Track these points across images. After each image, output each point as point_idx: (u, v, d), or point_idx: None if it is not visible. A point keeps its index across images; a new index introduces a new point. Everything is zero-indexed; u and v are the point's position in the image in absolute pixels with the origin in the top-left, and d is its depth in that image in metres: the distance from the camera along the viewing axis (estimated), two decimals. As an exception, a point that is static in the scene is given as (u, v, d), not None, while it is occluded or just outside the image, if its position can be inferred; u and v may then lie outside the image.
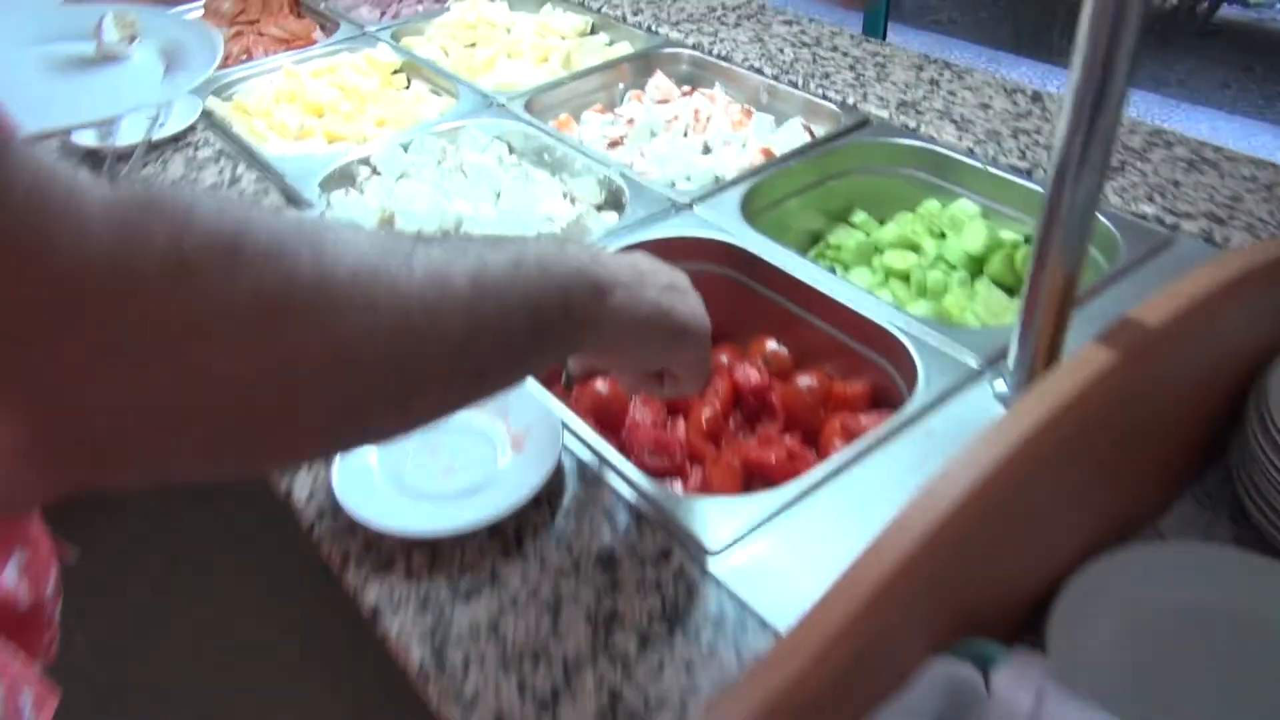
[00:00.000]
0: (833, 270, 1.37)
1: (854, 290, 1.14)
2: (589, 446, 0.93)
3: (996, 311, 1.19)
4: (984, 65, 4.52)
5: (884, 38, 3.18)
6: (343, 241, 0.47)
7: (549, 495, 0.86)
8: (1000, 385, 0.98)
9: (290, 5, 2.08)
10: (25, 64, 1.14)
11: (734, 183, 1.33)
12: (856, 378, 1.14)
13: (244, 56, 1.88)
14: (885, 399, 1.11)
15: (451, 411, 0.56)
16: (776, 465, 1.05)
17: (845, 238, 1.40)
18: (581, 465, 0.90)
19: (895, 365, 1.09)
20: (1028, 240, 1.31)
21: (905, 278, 1.33)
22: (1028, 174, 1.31)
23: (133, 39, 1.14)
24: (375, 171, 1.44)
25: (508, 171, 1.43)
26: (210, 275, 0.40)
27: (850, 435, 1.05)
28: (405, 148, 1.48)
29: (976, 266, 1.32)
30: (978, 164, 1.35)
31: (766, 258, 1.20)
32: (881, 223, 1.44)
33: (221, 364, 0.40)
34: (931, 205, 1.40)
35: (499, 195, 1.41)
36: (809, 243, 1.45)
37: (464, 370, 0.54)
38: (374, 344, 0.46)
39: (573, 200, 1.34)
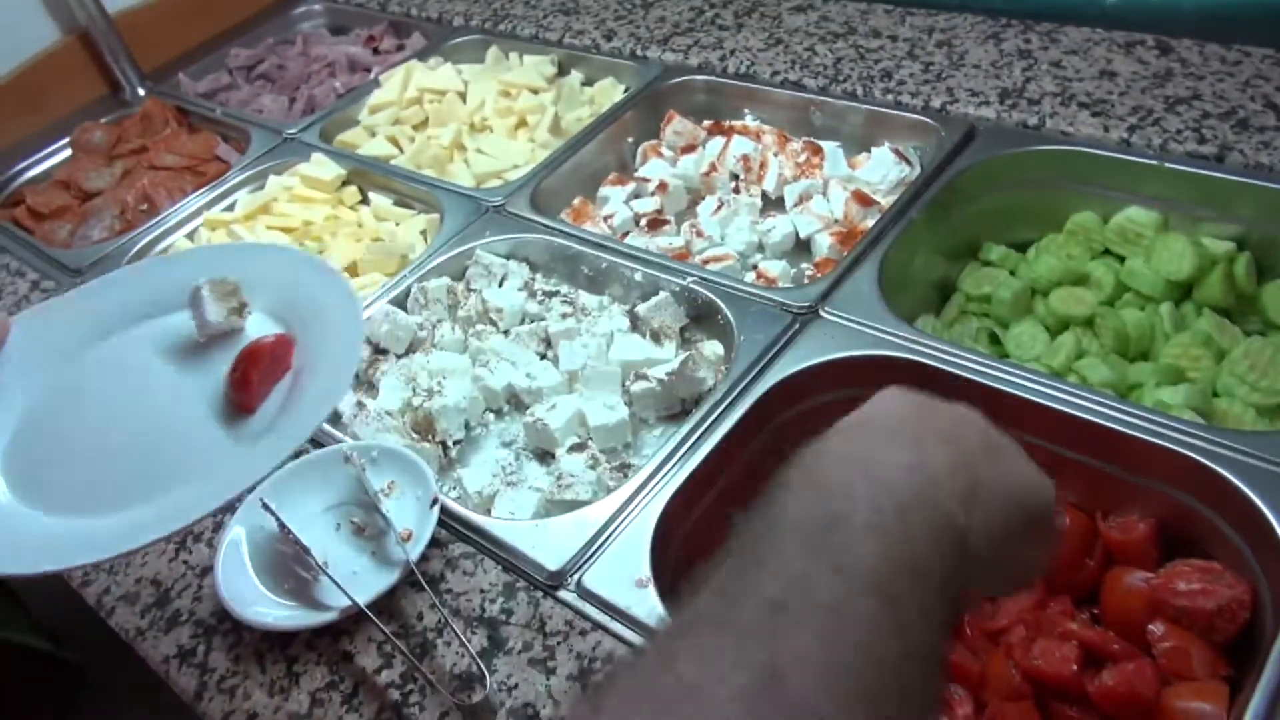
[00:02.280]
0: (992, 336, 1.07)
1: (1079, 392, 0.84)
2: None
3: (1266, 367, 0.90)
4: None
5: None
6: None
7: None
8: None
9: (176, 118, 1.69)
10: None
11: (855, 262, 1.02)
12: (1124, 508, 0.85)
13: (143, 206, 1.49)
14: (1178, 534, 0.82)
15: None
16: (1082, 680, 0.76)
17: (989, 284, 1.10)
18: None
19: (1182, 487, 0.80)
20: (1242, 246, 1.02)
21: (1088, 323, 1.04)
22: (1217, 161, 1.02)
23: (242, 308, 0.78)
24: (378, 351, 1.10)
25: (549, 309, 1.10)
26: None
27: (1168, 612, 0.76)
28: (401, 303, 1.13)
29: (1181, 293, 1.03)
30: (1144, 160, 1.05)
31: (940, 365, 0.90)
32: (1021, 251, 1.14)
33: None
34: (1086, 218, 1.10)
35: (548, 344, 1.08)
36: (938, 298, 1.15)
37: None
38: None
39: (655, 335, 1.01)
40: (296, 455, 0.92)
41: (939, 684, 0.40)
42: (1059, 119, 1.11)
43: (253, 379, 0.72)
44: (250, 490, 0.73)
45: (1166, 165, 1.03)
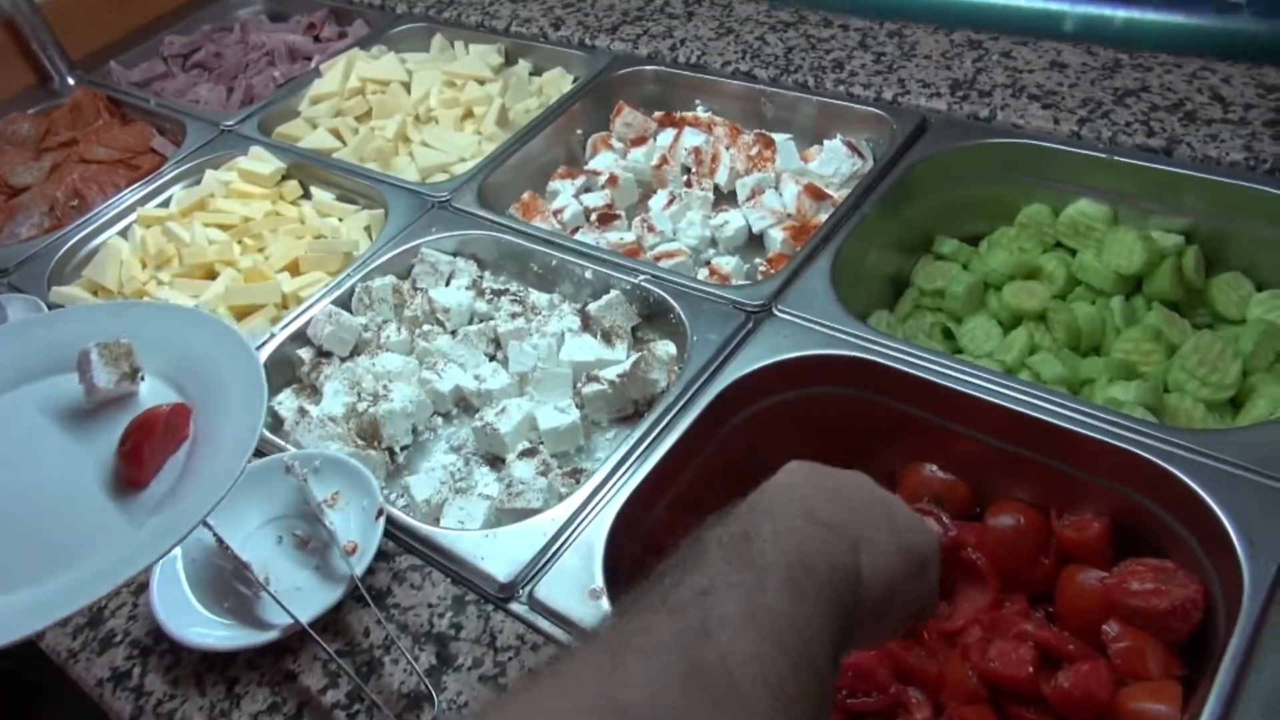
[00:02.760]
0: (945, 332, 1.06)
1: (1031, 390, 0.84)
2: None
3: (1215, 361, 0.90)
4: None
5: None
6: None
7: None
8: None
9: (108, 109, 1.63)
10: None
11: (808, 258, 1.00)
12: (1078, 506, 0.85)
13: (73, 201, 1.43)
14: (1132, 532, 0.82)
15: None
16: (1038, 682, 0.76)
17: (942, 279, 1.09)
18: None
19: (1134, 486, 0.80)
20: (1190, 239, 1.02)
21: (1041, 317, 1.04)
22: (1166, 154, 1.02)
23: (135, 373, 0.72)
24: (321, 354, 1.06)
25: (497, 308, 1.07)
26: None
27: (1122, 611, 0.76)
28: (345, 304, 1.10)
29: (1131, 286, 1.03)
30: (1093, 153, 1.04)
31: (893, 365, 0.89)
32: (974, 244, 1.14)
33: None
34: (1037, 211, 1.10)
35: (497, 344, 1.05)
36: (891, 293, 1.14)
37: None
38: None
39: (606, 335, 0.99)
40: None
41: (831, 679, 0.47)
42: (1010, 111, 1.11)
43: (145, 452, 0.67)
44: (146, 571, 0.67)
45: (1116, 158, 1.03)
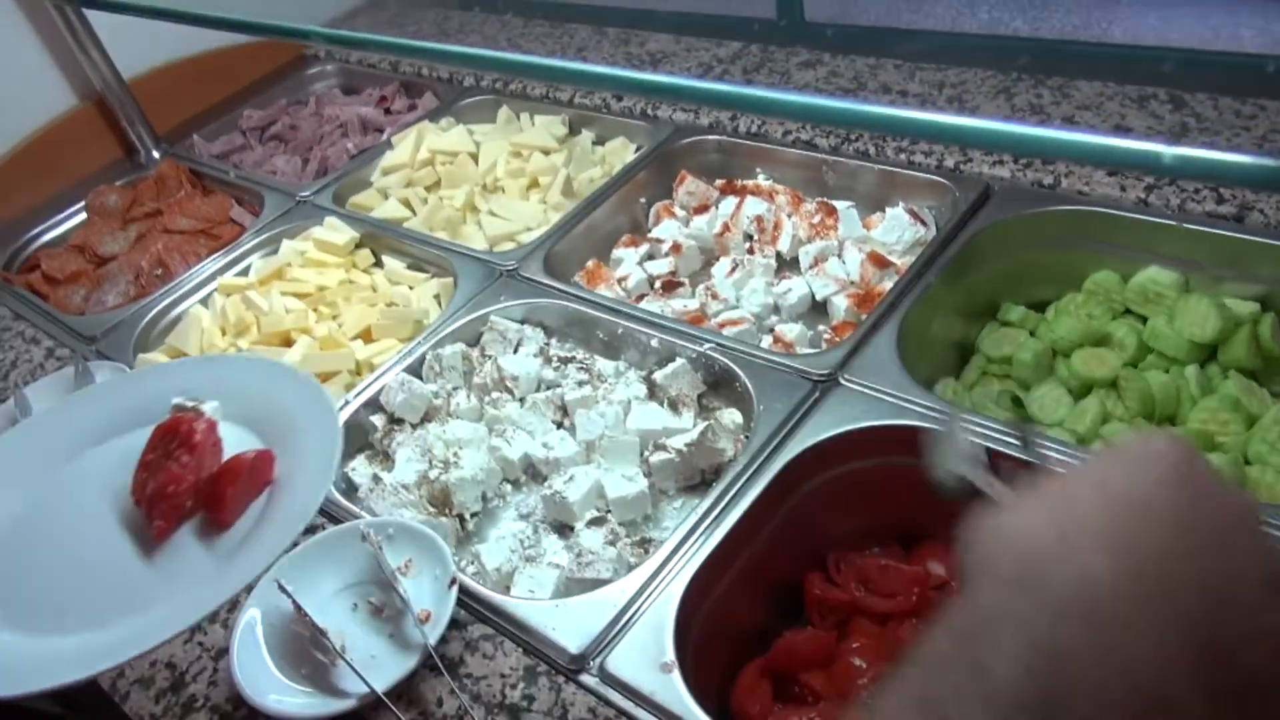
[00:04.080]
0: (1015, 400, 1.05)
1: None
2: None
3: (1297, 433, 0.88)
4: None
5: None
6: None
7: None
8: None
9: (190, 180, 1.70)
10: None
11: (873, 327, 1.01)
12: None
13: (157, 270, 1.49)
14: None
15: None
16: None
17: (1010, 345, 1.08)
18: None
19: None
20: (1266, 306, 1.01)
21: (1112, 384, 1.03)
22: (1236, 220, 1.01)
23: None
24: (394, 421, 1.09)
25: (565, 375, 1.09)
26: None
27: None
28: (416, 371, 1.13)
29: (1205, 354, 1.01)
30: (1161, 220, 1.04)
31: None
32: (1040, 310, 1.13)
33: None
34: (1105, 278, 1.09)
35: (564, 411, 1.07)
36: (957, 359, 1.14)
37: None
38: None
39: (672, 403, 1.00)
40: (311, 531, 0.91)
41: None
42: (1075, 178, 1.11)
43: (229, 496, 0.74)
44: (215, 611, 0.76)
45: (1185, 225, 1.02)
